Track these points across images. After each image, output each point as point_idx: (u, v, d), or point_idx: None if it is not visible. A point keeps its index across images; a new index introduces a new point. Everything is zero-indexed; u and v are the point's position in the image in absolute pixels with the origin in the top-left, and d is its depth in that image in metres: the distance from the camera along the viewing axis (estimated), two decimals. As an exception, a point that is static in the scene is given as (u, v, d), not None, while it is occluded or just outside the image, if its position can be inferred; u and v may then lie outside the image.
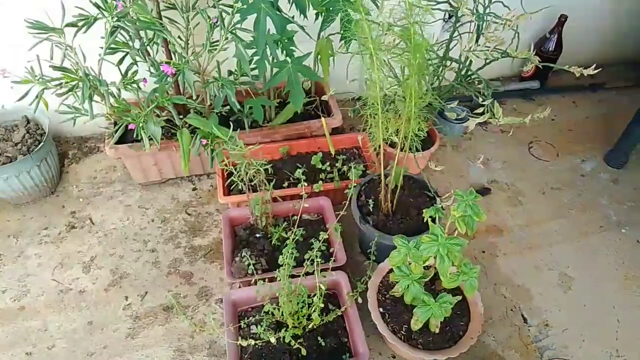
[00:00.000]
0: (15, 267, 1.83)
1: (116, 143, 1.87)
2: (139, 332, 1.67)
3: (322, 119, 1.98)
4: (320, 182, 1.81)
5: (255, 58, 1.52)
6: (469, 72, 1.76)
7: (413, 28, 1.22)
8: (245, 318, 1.56)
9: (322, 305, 1.40)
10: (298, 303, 1.41)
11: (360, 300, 1.49)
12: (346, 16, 1.58)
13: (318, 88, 2.14)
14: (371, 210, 1.71)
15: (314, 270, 1.36)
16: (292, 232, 1.45)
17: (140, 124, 1.50)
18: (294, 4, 1.62)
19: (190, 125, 1.73)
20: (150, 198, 2.08)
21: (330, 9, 1.68)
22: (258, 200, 1.68)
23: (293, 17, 1.62)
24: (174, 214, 2.02)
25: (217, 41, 1.55)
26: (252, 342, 1.36)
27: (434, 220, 1.26)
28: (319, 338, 1.47)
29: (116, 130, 1.69)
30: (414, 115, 1.38)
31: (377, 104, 1.36)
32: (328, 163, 1.96)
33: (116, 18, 1.43)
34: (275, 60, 1.56)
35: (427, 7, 1.20)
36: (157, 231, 1.96)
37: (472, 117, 1.60)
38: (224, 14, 1.45)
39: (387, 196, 1.66)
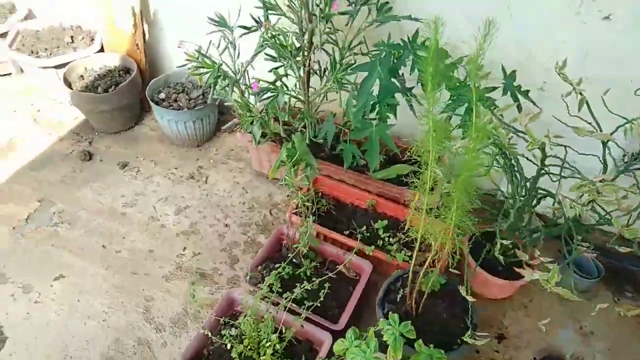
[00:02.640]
0: (140, 184, 2.33)
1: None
2: (172, 280, 1.95)
3: (417, 194, 1.93)
4: (373, 247, 1.78)
5: (353, 109, 1.60)
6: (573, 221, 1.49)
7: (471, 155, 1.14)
8: (232, 318, 1.68)
9: (278, 347, 1.43)
10: (260, 330, 1.46)
11: (326, 371, 1.46)
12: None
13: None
14: (398, 300, 1.63)
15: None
16: (304, 268, 1.51)
17: (245, 123, 1.75)
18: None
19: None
20: (254, 186, 2.35)
21: (459, 96, 1.63)
22: (301, 229, 1.78)
23: (412, 88, 1.64)
24: (260, 208, 2.25)
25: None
26: (213, 338, 1.49)
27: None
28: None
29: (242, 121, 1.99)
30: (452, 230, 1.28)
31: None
32: (389, 233, 1.89)
33: (270, 34, 1.69)
34: (364, 117, 1.61)
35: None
36: (240, 213, 2.22)
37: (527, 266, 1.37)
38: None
39: (411, 295, 1.55)
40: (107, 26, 2.56)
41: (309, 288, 1.46)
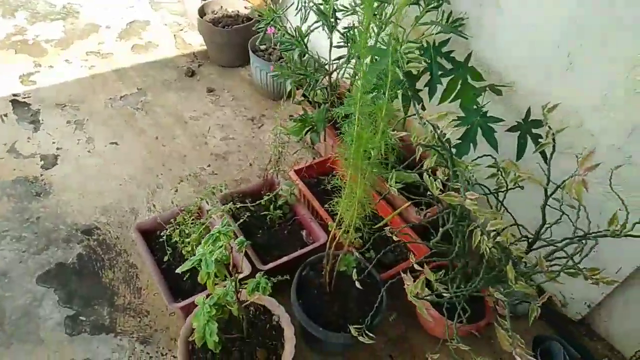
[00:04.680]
0: (211, 107, 2.73)
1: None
2: (185, 181, 2.28)
3: (408, 204, 1.93)
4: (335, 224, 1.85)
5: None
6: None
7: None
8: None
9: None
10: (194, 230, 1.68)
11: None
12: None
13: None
14: (322, 271, 1.69)
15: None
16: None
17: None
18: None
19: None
20: (293, 145, 2.55)
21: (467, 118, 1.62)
22: (291, 183, 1.95)
23: (418, 91, 1.67)
24: (286, 164, 2.45)
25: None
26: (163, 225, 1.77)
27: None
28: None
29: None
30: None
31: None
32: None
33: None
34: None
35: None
36: (267, 161, 2.45)
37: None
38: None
39: (325, 269, 1.61)
40: (252, -20, 3.01)
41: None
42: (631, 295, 1.77)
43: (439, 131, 1.17)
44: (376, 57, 1.57)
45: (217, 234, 1.12)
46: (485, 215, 1.10)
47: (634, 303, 1.77)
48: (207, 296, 1.25)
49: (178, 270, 1.19)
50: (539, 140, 1.63)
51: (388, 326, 1.87)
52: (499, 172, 1.48)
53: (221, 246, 1.14)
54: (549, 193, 1.25)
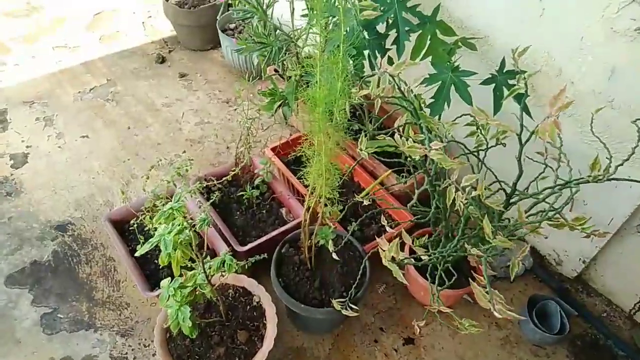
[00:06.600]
0: (184, 92, 2.64)
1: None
2: (159, 169, 2.20)
3: (389, 172, 1.86)
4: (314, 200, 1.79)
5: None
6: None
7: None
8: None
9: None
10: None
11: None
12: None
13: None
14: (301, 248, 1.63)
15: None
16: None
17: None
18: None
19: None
20: (271, 127, 2.47)
21: (438, 75, 1.54)
22: (266, 161, 1.87)
23: (387, 50, 1.59)
24: (262, 145, 2.38)
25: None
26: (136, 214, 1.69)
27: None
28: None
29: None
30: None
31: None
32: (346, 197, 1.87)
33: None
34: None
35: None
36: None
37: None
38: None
39: (304, 245, 1.54)
40: (216, -42, 2.90)
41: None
42: (625, 247, 1.71)
43: (397, 80, 1.09)
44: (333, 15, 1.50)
45: (170, 211, 1.05)
46: (451, 165, 1.03)
47: (629, 254, 1.71)
48: (172, 279, 1.19)
49: (137, 254, 1.13)
50: (517, 94, 1.56)
51: (378, 299, 1.82)
52: (478, 130, 1.41)
53: (180, 224, 1.07)
54: (523, 141, 1.17)
